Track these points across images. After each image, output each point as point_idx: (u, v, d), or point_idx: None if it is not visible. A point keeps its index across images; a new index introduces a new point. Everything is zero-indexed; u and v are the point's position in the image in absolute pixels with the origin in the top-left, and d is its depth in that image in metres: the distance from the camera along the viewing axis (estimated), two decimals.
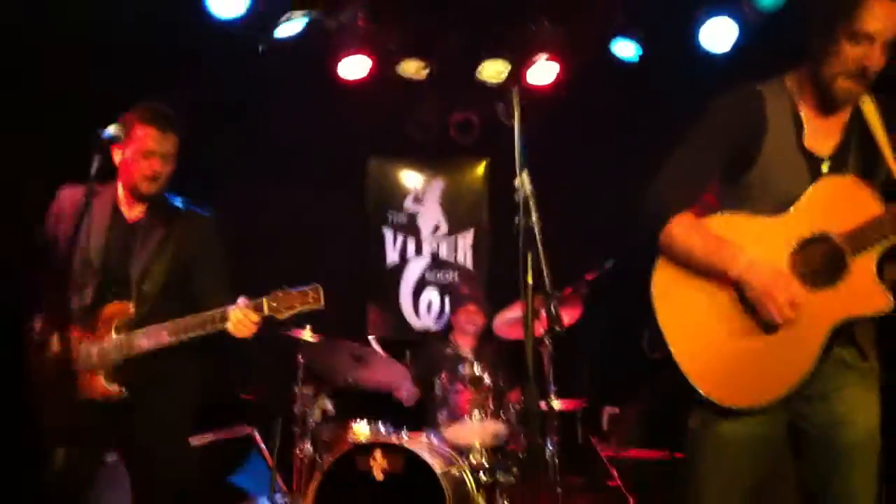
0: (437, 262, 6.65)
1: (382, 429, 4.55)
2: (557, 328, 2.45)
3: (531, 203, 2.58)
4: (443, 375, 4.77)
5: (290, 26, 5.60)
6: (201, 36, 5.46)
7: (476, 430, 4.53)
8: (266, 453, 4.95)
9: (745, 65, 5.28)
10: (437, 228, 6.69)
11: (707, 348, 2.46)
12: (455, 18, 5.85)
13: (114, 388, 3.16)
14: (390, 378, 5.06)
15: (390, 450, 4.23)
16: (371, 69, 5.93)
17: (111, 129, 3.04)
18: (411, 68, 6.06)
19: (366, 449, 4.27)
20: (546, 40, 5.83)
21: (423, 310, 6.58)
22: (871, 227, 2.39)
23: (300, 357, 4.54)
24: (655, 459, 5.01)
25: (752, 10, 5.40)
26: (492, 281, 6.47)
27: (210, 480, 4.87)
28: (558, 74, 5.87)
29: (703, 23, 5.49)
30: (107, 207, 3.35)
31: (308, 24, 5.64)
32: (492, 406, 4.57)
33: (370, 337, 5.62)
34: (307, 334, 4.43)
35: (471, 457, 4.50)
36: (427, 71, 6.07)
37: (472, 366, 4.70)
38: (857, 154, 2.52)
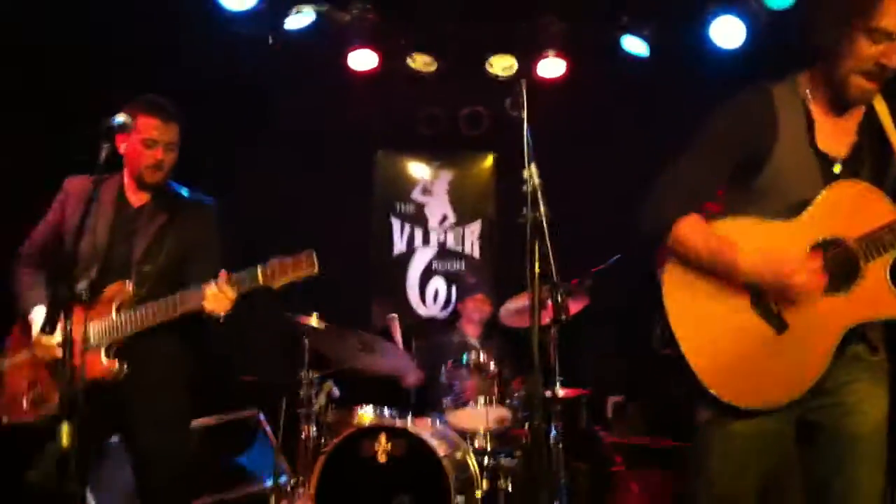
0: (444, 252, 6.71)
1: (387, 413, 4.62)
2: (563, 317, 2.48)
3: (539, 195, 2.58)
4: (448, 362, 4.84)
5: (300, 19, 5.66)
6: (211, 28, 5.51)
7: (480, 415, 4.59)
8: (271, 436, 5.00)
9: (756, 61, 5.31)
10: (444, 219, 6.75)
11: (719, 349, 2.43)
12: (464, 13, 5.89)
13: (113, 365, 3.20)
14: (396, 365, 5.12)
15: (394, 433, 4.28)
16: (380, 62, 5.98)
17: (119, 118, 3.04)
18: (420, 62, 6.12)
19: (370, 432, 4.31)
20: (554, 35, 5.87)
21: (430, 298, 6.64)
22: (885, 232, 2.36)
23: (306, 341, 4.60)
24: (659, 447, 5.06)
25: (761, 9, 5.42)
26: (498, 272, 6.52)
27: (215, 461, 4.93)
28: (567, 69, 5.92)
29: (713, 19, 5.51)
30: (112, 195, 3.41)
31: (317, 17, 5.70)
32: (496, 392, 4.63)
33: (391, 315, 5.64)
34: (314, 320, 4.49)
35: (475, 442, 4.56)
36: (436, 65, 6.13)
37: (477, 353, 4.76)
38: (869, 154, 2.48)
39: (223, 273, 3.18)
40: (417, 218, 6.75)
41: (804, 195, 2.43)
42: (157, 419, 3.29)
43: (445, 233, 6.74)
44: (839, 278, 2.40)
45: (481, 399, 4.60)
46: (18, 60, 4.94)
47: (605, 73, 6.02)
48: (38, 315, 3.33)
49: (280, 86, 5.99)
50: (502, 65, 6.04)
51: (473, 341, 5.46)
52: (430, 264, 6.70)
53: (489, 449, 4.55)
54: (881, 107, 2.48)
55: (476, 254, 6.72)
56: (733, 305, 2.44)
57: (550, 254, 2.47)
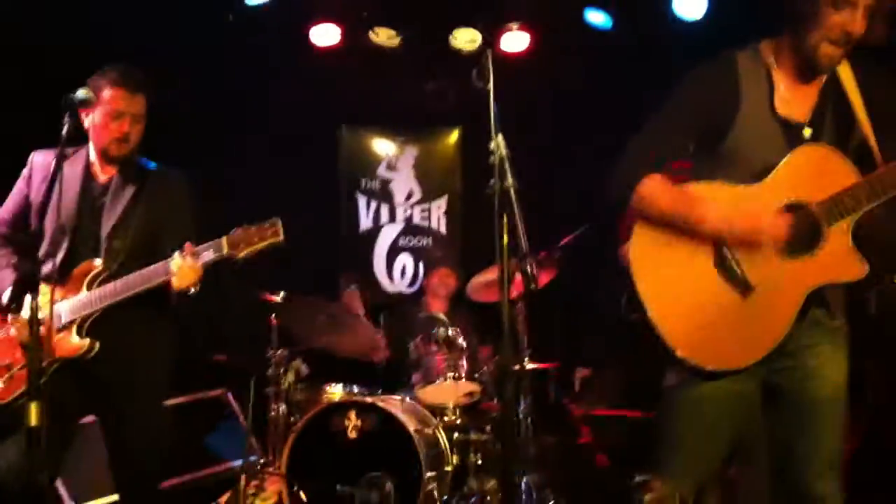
0: (410, 228, 6.70)
1: (356, 390, 4.61)
2: (532, 286, 2.48)
3: (507, 166, 2.57)
4: (417, 338, 4.83)
5: None
6: (170, 3, 5.42)
7: (449, 390, 4.60)
8: (240, 414, 4.98)
9: (719, 31, 5.33)
10: (410, 195, 6.73)
11: (684, 311, 2.48)
12: None
13: (84, 342, 3.15)
14: (364, 341, 5.10)
15: (364, 409, 4.28)
16: (342, 37, 5.92)
17: (81, 93, 3.00)
18: (383, 36, 6.07)
19: (340, 409, 4.31)
20: (518, 8, 5.85)
21: (397, 274, 6.64)
22: (847, 196, 2.41)
23: (274, 319, 4.57)
24: (626, 417, 5.12)
25: None
26: (465, 247, 6.53)
27: (184, 442, 4.89)
28: (531, 42, 5.91)
29: None
30: (78, 170, 3.33)
31: None
32: (465, 367, 4.63)
33: (350, 289, 5.61)
34: (281, 297, 4.46)
35: (444, 416, 4.58)
36: (399, 39, 6.08)
37: (446, 328, 4.76)
38: (832, 119, 2.53)
39: (188, 245, 3.14)
40: (383, 194, 6.73)
41: (769, 160, 2.47)
42: (134, 395, 3.24)
43: (411, 209, 6.72)
44: (802, 241, 2.44)
45: (450, 374, 4.60)
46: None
47: (569, 46, 6.00)
48: (8, 295, 3.27)
49: (242, 62, 5.91)
50: (465, 38, 6.00)
51: (441, 316, 5.46)
52: (396, 240, 6.69)
53: (459, 423, 4.57)
54: (845, 72, 2.52)
55: (443, 229, 6.72)
56: (698, 269, 2.49)
57: (519, 224, 2.46)
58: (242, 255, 3.15)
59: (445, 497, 4.26)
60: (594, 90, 5.96)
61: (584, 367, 5.76)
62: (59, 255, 3.20)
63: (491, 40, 5.94)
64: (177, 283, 3.12)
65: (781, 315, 2.44)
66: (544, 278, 4.78)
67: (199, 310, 3.31)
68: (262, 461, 4.56)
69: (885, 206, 2.44)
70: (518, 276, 2.62)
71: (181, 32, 5.47)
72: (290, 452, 4.26)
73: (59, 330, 3.17)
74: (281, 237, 3.15)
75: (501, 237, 2.49)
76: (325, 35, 5.90)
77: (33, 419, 2.54)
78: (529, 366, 4.59)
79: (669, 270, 2.52)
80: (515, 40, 5.92)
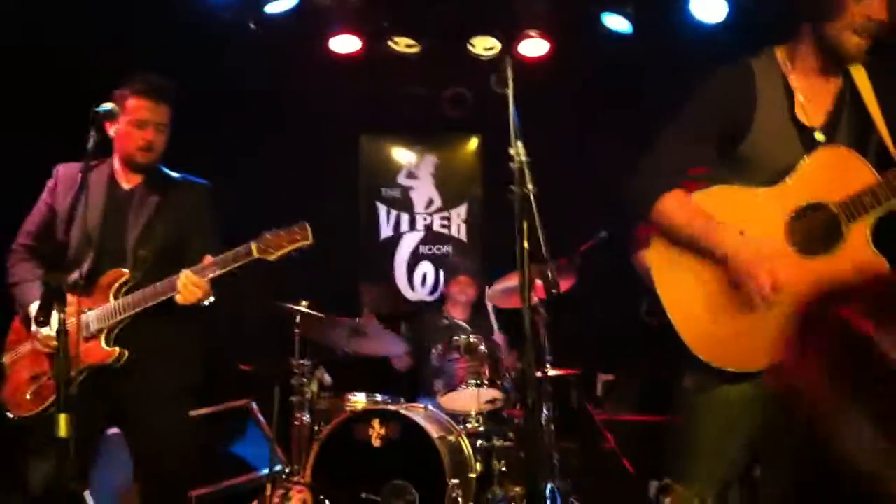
0: (431, 236, 6.71)
1: (379, 398, 4.62)
2: (554, 291, 2.48)
3: (526, 171, 2.59)
4: (438, 345, 4.83)
5: (281, 2, 5.61)
6: (191, 13, 5.46)
7: (472, 397, 4.60)
8: (264, 425, 5.00)
9: (739, 34, 5.30)
10: (430, 203, 6.74)
11: (704, 314, 2.49)
12: None
13: (114, 351, 3.18)
14: (387, 349, 5.11)
15: (388, 418, 4.29)
16: (362, 46, 5.94)
17: (106, 105, 3.06)
18: (402, 44, 6.09)
19: (363, 417, 4.32)
20: (536, 15, 5.84)
21: (418, 283, 6.64)
22: (866, 195, 2.41)
23: (297, 330, 4.59)
24: (650, 423, 5.09)
25: None
26: (486, 254, 6.52)
27: (210, 451, 4.92)
28: (549, 48, 5.90)
29: None
30: (103, 181, 3.37)
31: (298, 2, 5.64)
32: (487, 373, 4.63)
33: (365, 309, 5.61)
34: (303, 308, 4.48)
35: (467, 424, 4.57)
36: (418, 47, 6.10)
37: (467, 335, 4.76)
38: (848, 122, 2.54)
39: (207, 258, 3.16)
40: (403, 202, 6.74)
41: (785, 164, 2.48)
42: (159, 404, 3.26)
43: (432, 217, 6.73)
44: (821, 241, 2.45)
45: (472, 381, 4.60)
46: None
47: (588, 51, 5.99)
48: (36, 307, 3.31)
49: (262, 71, 5.95)
50: (484, 45, 6.01)
51: (463, 323, 5.46)
52: (416, 248, 6.70)
53: (482, 430, 4.56)
54: (860, 75, 2.53)
55: (463, 237, 6.72)
56: (717, 272, 2.50)
57: (539, 230, 2.47)
58: (273, 258, 3.18)
59: None
60: (613, 95, 5.94)
61: (606, 372, 5.74)
62: (86, 265, 3.23)
63: (509, 47, 5.94)
64: (180, 299, 3.15)
65: None
66: (564, 285, 4.77)
67: (222, 321, 3.32)
68: (287, 470, 4.56)
69: None
70: (539, 282, 2.63)
71: (202, 41, 5.51)
72: (314, 461, 4.27)
73: (87, 339, 3.20)
74: (310, 240, 3.19)
75: (522, 242, 2.50)
76: (345, 44, 5.92)
77: (62, 430, 2.56)
78: (552, 372, 4.58)
79: (689, 274, 2.53)
80: (534, 47, 5.91)
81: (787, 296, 2.43)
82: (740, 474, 2.83)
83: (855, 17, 2.40)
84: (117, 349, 3.19)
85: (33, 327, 3.26)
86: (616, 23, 5.77)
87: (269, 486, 4.47)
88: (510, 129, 2.61)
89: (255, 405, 5.06)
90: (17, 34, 4.92)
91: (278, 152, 6.12)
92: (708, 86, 2.61)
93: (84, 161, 2.99)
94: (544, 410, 4.46)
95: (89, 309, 3.21)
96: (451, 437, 4.37)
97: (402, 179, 6.76)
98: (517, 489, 4.27)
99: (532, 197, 2.53)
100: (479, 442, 4.50)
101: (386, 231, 6.71)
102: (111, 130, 3.32)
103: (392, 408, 4.38)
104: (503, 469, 4.46)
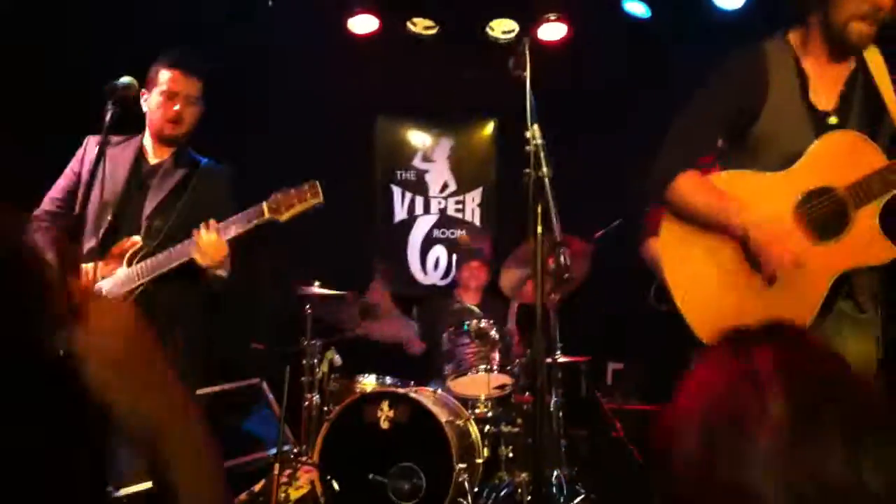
0: (445, 220, 6.69)
1: (389, 381, 4.62)
2: (567, 276, 2.46)
3: (542, 155, 2.58)
4: (449, 329, 4.82)
5: None
6: None
7: (481, 382, 4.59)
8: (274, 404, 5.00)
9: (757, 20, 5.25)
10: (445, 187, 6.72)
11: (712, 300, 2.50)
12: None
13: None
14: (398, 332, 5.11)
15: (397, 400, 4.29)
16: (380, 26, 5.91)
17: (124, 79, 3.05)
18: (420, 26, 6.05)
19: (373, 399, 4.32)
20: None
21: (431, 266, 6.63)
22: (874, 180, 2.41)
23: (308, 309, 4.59)
24: (659, 412, 5.06)
25: None
26: (500, 239, 6.49)
27: (219, 430, 4.92)
28: (568, 32, 5.86)
29: None
30: (130, 153, 3.38)
31: None
32: (497, 359, 4.62)
33: (376, 275, 5.60)
34: (316, 287, 4.47)
35: (476, 408, 4.57)
36: (436, 29, 6.06)
37: (478, 320, 4.75)
38: (860, 106, 2.53)
39: (212, 221, 3.13)
40: (418, 185, 6.72)
41: (796, 148, 2.48)
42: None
43: (446, 201, 6.70)
44: (829, 226, 2.44)
45: (482, 366, 4.59)
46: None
47: (607, 36, 5.94)
48: None
49: (279, 51, 5.92)
50: (503, 28, 5.97)
51: (474, 308, 5.44)
52: (430, 232, 6.68)
53: (490, 415, 4.56)
54: (873, 58, 2.52)
55: (477, 221, 6.69)
56: (726, 257, 2.51)
57: (553, 212, 2.45)
58: (285, 217, 3.15)
59: (476, 489, 4.25)
60: (632, 80, 5.89)
61: (616, 361, 5.72)
62: (101, 231, 3.22)
63: (528, 30, 5.90)
64: (200, 258, 3.11)
65: (807, 301, 2.43)
66: (578, 270, 4.74)
67: (234, 299, 3.31)
68: (295, 450, 4.57)
69: None
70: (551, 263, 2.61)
71: (220, 19, 5.49)
72: (323, 442, 4.27)
73: None
74: (321, 198, 3.17)
75: (535, 224, 2.50)
76: (363, 24, 5.89)
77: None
78: (561, 359, 4.56)
79: (697, 260, 2.55)
80: (552, 30, 5.86)
81: (795, 281, 2.42)
82: None
83: (861, 4, 2.39)
84: None
85: None
86: (636, 7, 5.72)
87: (276, 466, 4.47)
88: (527, 113, 2.60)
89: (265, 384, 5.07)
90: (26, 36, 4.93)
91: (294, 132, 6.10)
92: (721, 69, 2.62)
93: (102, 136, 2.99)
94: (553, 397, 4.45)
95: (103, 277, 3.21)
96: (460, 422, 4.37)
97: (417, 162, 6.74)
98: (524, 475, 4.25)
99: (546, 180, 2.52)
100: (486, 427, 4.50)
101: (400, 214, 6.69)
102: (143, 104, 3.33)
103: (401, 391, 4.37)
104: (510, 455, 4.46)
